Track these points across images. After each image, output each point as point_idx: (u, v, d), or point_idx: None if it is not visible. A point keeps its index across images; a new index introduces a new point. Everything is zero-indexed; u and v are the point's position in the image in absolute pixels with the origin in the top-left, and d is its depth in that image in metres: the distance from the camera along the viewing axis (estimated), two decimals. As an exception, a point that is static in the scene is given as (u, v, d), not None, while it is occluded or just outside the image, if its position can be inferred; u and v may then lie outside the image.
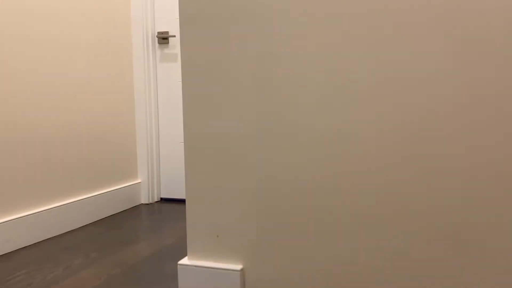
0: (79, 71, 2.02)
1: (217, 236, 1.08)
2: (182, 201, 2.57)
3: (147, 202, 2.51)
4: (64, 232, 1.91)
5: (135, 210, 2.34)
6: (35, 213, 1.77)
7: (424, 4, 0.85)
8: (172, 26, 2.47)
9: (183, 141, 2.49)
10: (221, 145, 1.04)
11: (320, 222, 0.97)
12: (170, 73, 2.50)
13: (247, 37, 0.99)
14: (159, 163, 2.57)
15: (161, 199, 2.60)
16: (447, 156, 0.86)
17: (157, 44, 2.50)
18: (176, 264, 1.51)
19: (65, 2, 1.93)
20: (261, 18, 0.97)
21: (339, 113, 0.93)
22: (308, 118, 0.96)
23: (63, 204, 1.91)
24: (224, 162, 1.04)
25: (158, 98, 2.53)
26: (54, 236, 1.86)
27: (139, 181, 2.50)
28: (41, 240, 1.79)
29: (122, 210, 2.33)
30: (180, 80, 2.47)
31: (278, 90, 0.98)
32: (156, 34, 2.49)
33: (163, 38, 2.47)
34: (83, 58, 2.05)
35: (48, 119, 1.85)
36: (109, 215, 2.23)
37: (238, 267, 1.04)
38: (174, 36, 2.44)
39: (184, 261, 1.10)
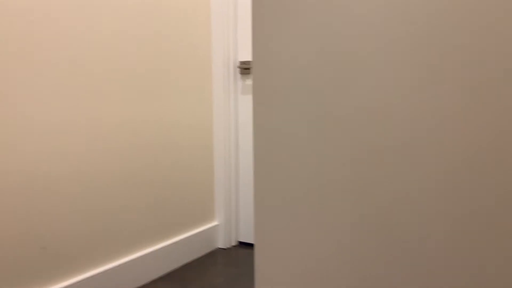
0: (157, 104, 1.86)
1: None
2: (262, 247, 2.32)
3: (224, 247, 2.30)
4: (132, 288, 1.77)
5: (211, 258, 2.14)
6: (100, 273, 1.63)
7: None
8: (255, 55, 2.23)
9: (264, 182, 2.24)
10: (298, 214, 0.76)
11: None
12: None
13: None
14: (238, 204, 2.36)
15: (239, 243, 2.38)
16: None
17: (238, 75, 2.28)
18: None
19: (142, 27, 1.78)
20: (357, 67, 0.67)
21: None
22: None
23: (132, 259, 1.76)
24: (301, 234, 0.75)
25: (239, 133, 2.31)
26: (121, 295, 1.71)
27: (216, 223, 2.30)
28: (106, 301, 1.65)
29: (197, 257, 2.15)
30: (263, 114, 2.22)
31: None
32: (238, 64, 2.27)
33: (245, 69, 2.24)
34: (163, 89, 1.89)
35: (114, 159, 1.71)
36: (183, 264, 2.05)
37: None
38: (257, 66, 2.20)
39: None
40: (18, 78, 1.34)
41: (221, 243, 2.31)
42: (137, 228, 1.81)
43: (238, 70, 2.27)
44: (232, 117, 2.28)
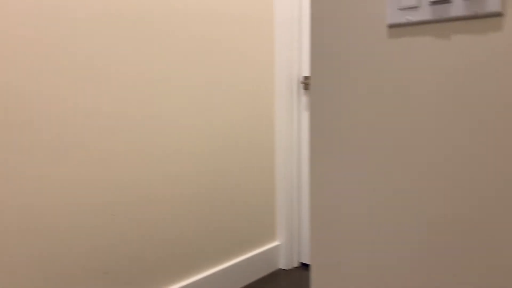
0: (218, 118, 1.84)
1: None
2: (325, 270, 2.22)
3: (285, 268, 2.23)
4: (192, 311, 1.75)
5: (272, 280, 2.08)
6: (162, 295, 1.63)
7: None
8: (320, 70, 2.14)
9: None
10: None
11: None
12: (316, 123, 2.16)
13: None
14: (300, 223, 2.27)
15: (301, 264, 2.30)
16: None
17: (302, 90, 2.19)
18: None
19: (203, 40, 1.76)
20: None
21: None
22: None
23: (192, 282, 1.75)
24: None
25: (301, 151, 2.23)
26: (181, 319, 1.70)
27: (278, 243, 2.23)
28: (166, 325, 1.65)
29: (257, 278, 2.10)
30: (327, 132, 2.11)
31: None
32: (302, 79, 2.19)
33: (309, 84, 2.15)
34: (223, 105, 1.86)
35: (175, 181, 1.70)
36: (243, 285, 2.01)
37: None
38: (322, 82, 2.10)
39: None
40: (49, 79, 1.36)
41: (282, 264, 2.24)
42: (197, 250, 1.79)
43: (301, 85, 2.19)
44: (294, 133, 2.20)
